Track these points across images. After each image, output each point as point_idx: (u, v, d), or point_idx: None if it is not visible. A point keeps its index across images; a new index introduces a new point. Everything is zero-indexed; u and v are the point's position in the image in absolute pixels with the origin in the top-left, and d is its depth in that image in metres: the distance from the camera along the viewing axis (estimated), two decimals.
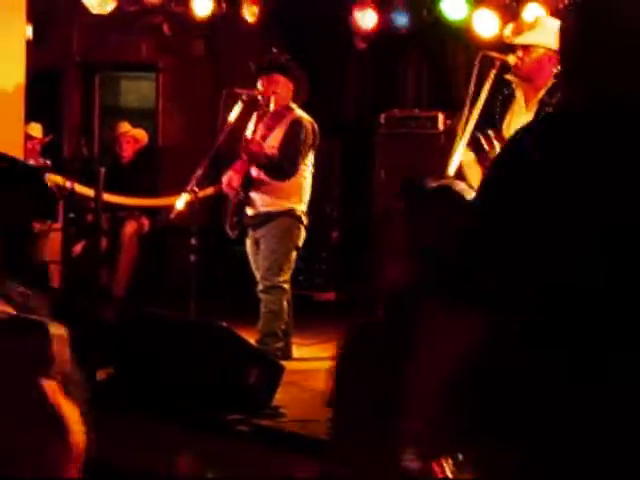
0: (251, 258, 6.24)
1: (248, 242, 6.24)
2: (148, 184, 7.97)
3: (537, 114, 5.28)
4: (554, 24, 5.44)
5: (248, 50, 7.55)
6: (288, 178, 6.06)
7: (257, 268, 6.20)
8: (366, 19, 7.75)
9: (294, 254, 6.18)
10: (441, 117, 7.58)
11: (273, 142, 6.08)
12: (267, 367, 5.02)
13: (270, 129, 6.15)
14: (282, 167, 6.03)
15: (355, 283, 7.78)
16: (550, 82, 5.33)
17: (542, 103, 5.31)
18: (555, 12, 6.95)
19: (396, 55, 8.20)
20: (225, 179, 6.20)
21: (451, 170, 5.18)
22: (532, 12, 7.12)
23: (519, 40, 5.48)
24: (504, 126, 5.44)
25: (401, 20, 7.73)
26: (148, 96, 8.95)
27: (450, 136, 6.41)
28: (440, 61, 8.11)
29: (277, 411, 4.98)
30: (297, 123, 6.10)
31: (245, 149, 6.11)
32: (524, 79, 5.41)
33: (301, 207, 6.19)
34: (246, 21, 7.77)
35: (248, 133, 6.20)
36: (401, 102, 8.10)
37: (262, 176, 6.09)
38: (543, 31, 5.51)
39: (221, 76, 7.69)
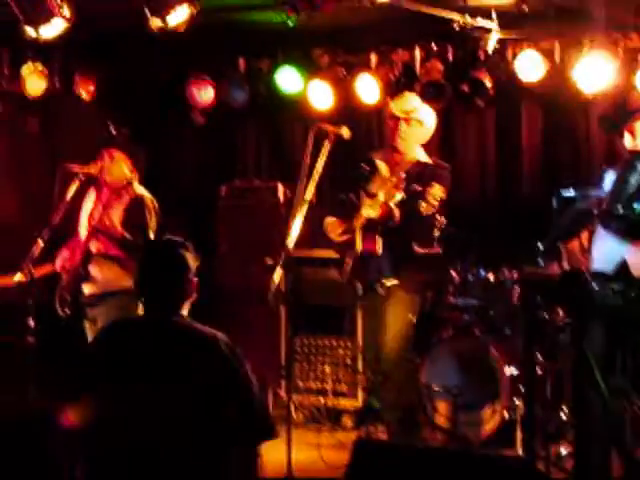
0: (90, 338, 6.09)
1: (87, 321, 6.10)
2: None
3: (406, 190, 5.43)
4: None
5: (84, 127, 7.47)
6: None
7: None
8: (203, 94, 7.82)
9: None
10: (281, 188, 7.63)
11: (114, 218, 6.00)
12: None
13: (108, 206, 6.06)
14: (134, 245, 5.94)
15: None
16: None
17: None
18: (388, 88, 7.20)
19: (235, 128, 8.26)
20: (60, 257, 6.08)
21: (290, 242, 5.24)
22: (365, 84, 7.35)
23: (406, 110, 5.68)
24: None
25: (239, 94, 7.82)
26: None
27: (290, 207, 6.47)
28: (278, 133, 8.21)
29: None
30: (138, 200, 6.04)
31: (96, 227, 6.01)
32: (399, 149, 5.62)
33: None
34: (81, 98, 7.73)
35: (86, 210, 6.12)
36: (241, 174, 8.12)
37: (110, 251, 5.98)
38: (421, 106, 5.76)
39: (56, 153, 7.57)
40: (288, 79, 7.58)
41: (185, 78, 7.75)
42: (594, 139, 7.18)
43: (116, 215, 6.01)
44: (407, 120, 5.71)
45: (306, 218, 5.32)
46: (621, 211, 4.91)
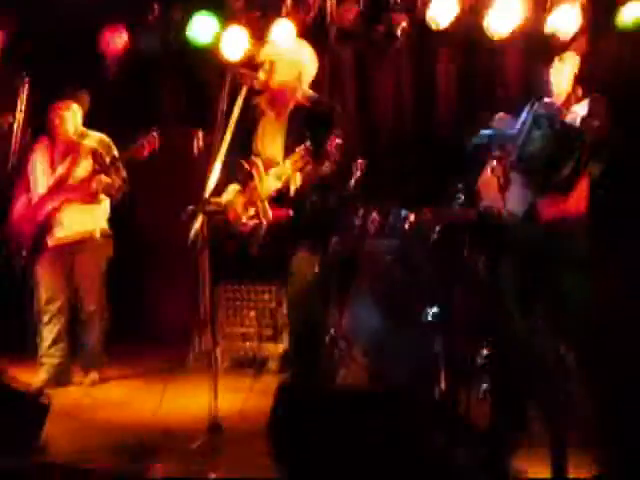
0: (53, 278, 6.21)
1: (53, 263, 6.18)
2: None
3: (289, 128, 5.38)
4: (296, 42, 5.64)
5: None
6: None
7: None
8: (117, 40, 7.70)
9: None
10: (199, 135, 7.58)
11: (76, 170, 6.09)
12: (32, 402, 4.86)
13: (68, 159, 6.14)
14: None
15: None
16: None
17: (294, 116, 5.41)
18: (303, 31, 7.13)
19: (150, 76, 8.14)
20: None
21: (207, 192, 5.18)
22: (281, 29, 7.27)
23: (266, 55, 5.52)
24: (258, 147, 5.49)
25: (153, 41, 7.73)
26: None
27: (209, 154, 6.42)
28: (194, 80, 8.11)
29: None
30: (94, 150, 6.12)
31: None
32: (274, 94, 5.47)
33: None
34: None
35: (41, 169, 6.16)
36: (159, 122, 8.02)
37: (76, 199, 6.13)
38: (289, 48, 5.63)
39: None
40: (203, 25, 7.49)
41: (99, 27, 7.62)
42: (510, 78, 7.24)
43: (78, 166, 6.10)
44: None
45: (224, 165, 5.27)
46: (526, 166, 5.05)
